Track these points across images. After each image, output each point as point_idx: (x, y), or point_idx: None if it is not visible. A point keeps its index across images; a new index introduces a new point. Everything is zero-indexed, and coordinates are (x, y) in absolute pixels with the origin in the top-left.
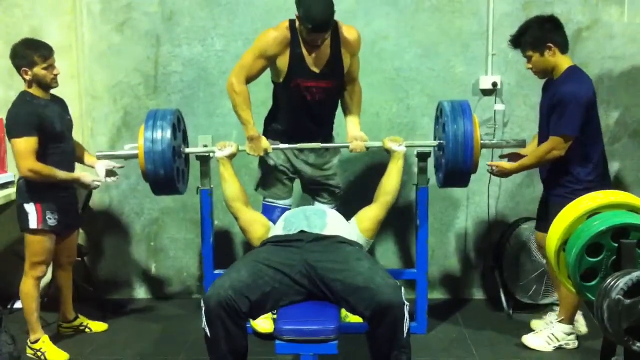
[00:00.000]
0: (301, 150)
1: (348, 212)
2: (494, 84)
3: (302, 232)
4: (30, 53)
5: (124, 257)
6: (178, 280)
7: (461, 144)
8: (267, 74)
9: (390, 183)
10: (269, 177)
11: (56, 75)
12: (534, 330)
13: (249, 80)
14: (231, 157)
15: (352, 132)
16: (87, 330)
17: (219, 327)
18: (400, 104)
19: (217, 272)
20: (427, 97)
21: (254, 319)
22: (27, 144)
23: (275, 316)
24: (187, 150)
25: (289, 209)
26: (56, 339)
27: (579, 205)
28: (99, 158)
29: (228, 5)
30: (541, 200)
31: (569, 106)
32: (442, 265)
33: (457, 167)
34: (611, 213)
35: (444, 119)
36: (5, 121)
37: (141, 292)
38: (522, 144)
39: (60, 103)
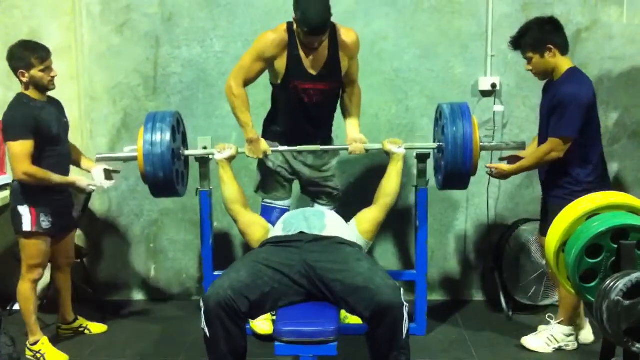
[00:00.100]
0: (300, 152)
1: (347, 213)
2: (493, 85)
3: (301, 232)
4: (28, 55)
5: (123, 258)
6: (177, 282)
7: (460, 146)
8: (266, 75)
9: (389, 185)
10: (268, 178)
11: (53, 77)
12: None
13: (247, 82)
14: (230, 159)
15: (351, 134)
16: (86, 331)
17: (218, 327)
18: (399, 105)
19: (216, 273)
20: (426, 98)
21: (253, 319)
22: (23, 146)
23: (274, 317)
24: (187, 153)
25: (288, 210)
26: (55, 341)
27: (578, 206)
28: (98, 160)
29: (227, 7)
30: (542, 204)
31: (569, 107)
32: (441, 266)
33: (456, 170)
34: (610, 214)
35: (443, 121)
36: (1, 123)
37: (140, 294)
38: (522, 146)
39: (56, 105)
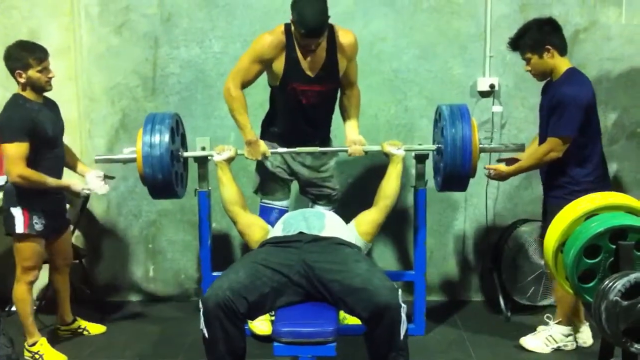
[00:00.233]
0: (298, 153)
1: (346, 214)
2: (492, 86)
3: (300, 233)
4: (25, 55)
5: (122, 259)
6: (176, 282)
7: (459, 148)
8: (264, 76)
9: (389, 187)
10: (267, 179)
11: (50, 78)
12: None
13: (245, 84)
14: (229, 160)
15: (350, 135)
16: (85, 332)
17: (217, 327)
18: (398, 105)
19: (215, 274)
20: (425, 99)
21: (252, 319)
22: (18, 149)
23: (273, 318)
24: (186, 154)
25: (286, 210)
26: (54, 342)
27: (577, 206)
28: (97, 161)
29: (226, 7)
30: (542, 206)
31: (568, 108)
32: (440, 267)
33: (455, 171)
34: (609, 214)
35: (443, 122)
36: None
37: (139, 294)
38: (521, 147)
39: (52, 106)
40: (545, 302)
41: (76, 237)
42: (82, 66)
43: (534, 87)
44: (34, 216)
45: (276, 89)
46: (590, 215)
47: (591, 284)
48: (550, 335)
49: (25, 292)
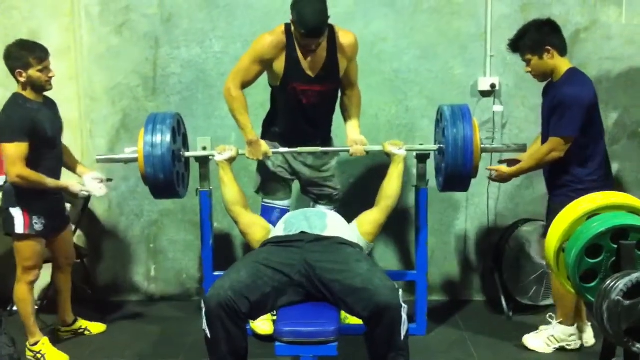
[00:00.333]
0: (299, 153)
1: (348, 214)
2: (492, 86)
3: (302, 232)
4: (25, 54)
5: (123, 258)
6: (177, 282)
7: (461, 148)
8: (265, 75)
9: (391, 187)
10: (268, 179)
11: (51, 78)
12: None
13: (246, 84)
14: (231, 160)
15: (351, 135)
16: (86, 332)
17: (219, 327)
18: (399, 106)
19: (216, 273)
20: (426, 99)
21: (254, 319)
22: (18, 149)
23: (274, 318)
24: (187, 154)
25: (288, 210)
26: (55, 341)
27: (578, 206)
28: (99, 161)
29: (227, 7)
30: (547, 207)
31: (570, 108)
32: (441, 266)
33: (456, 171)
34: (610, 214)
35: (444, 123)
36: None
37: (140, 294)
38: (523, 148)
39: (52, 106)
40: (547, 302)
41: (77, 237)
42: (82, 66)
43: (534, 86)
44: (33, 216)
45: (277, 89)
46: (591, 215)
47: (593, 284)
48: (552, 335)
49: (26, 292)
